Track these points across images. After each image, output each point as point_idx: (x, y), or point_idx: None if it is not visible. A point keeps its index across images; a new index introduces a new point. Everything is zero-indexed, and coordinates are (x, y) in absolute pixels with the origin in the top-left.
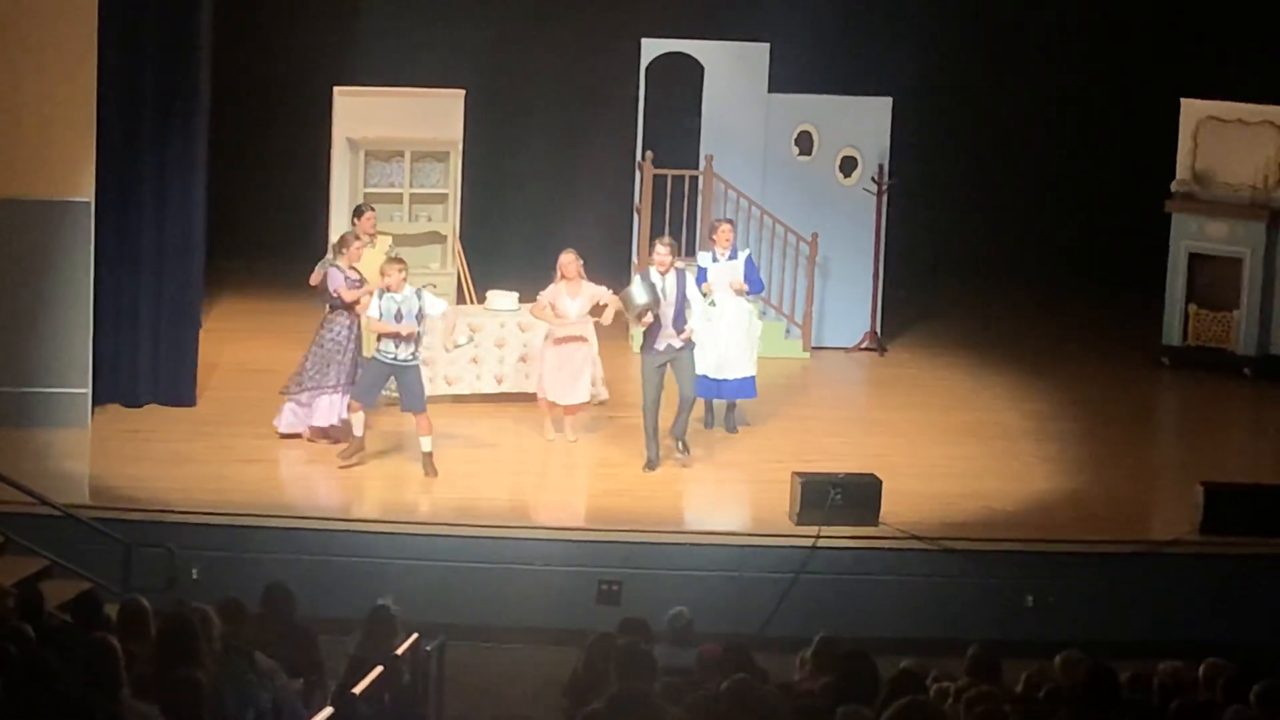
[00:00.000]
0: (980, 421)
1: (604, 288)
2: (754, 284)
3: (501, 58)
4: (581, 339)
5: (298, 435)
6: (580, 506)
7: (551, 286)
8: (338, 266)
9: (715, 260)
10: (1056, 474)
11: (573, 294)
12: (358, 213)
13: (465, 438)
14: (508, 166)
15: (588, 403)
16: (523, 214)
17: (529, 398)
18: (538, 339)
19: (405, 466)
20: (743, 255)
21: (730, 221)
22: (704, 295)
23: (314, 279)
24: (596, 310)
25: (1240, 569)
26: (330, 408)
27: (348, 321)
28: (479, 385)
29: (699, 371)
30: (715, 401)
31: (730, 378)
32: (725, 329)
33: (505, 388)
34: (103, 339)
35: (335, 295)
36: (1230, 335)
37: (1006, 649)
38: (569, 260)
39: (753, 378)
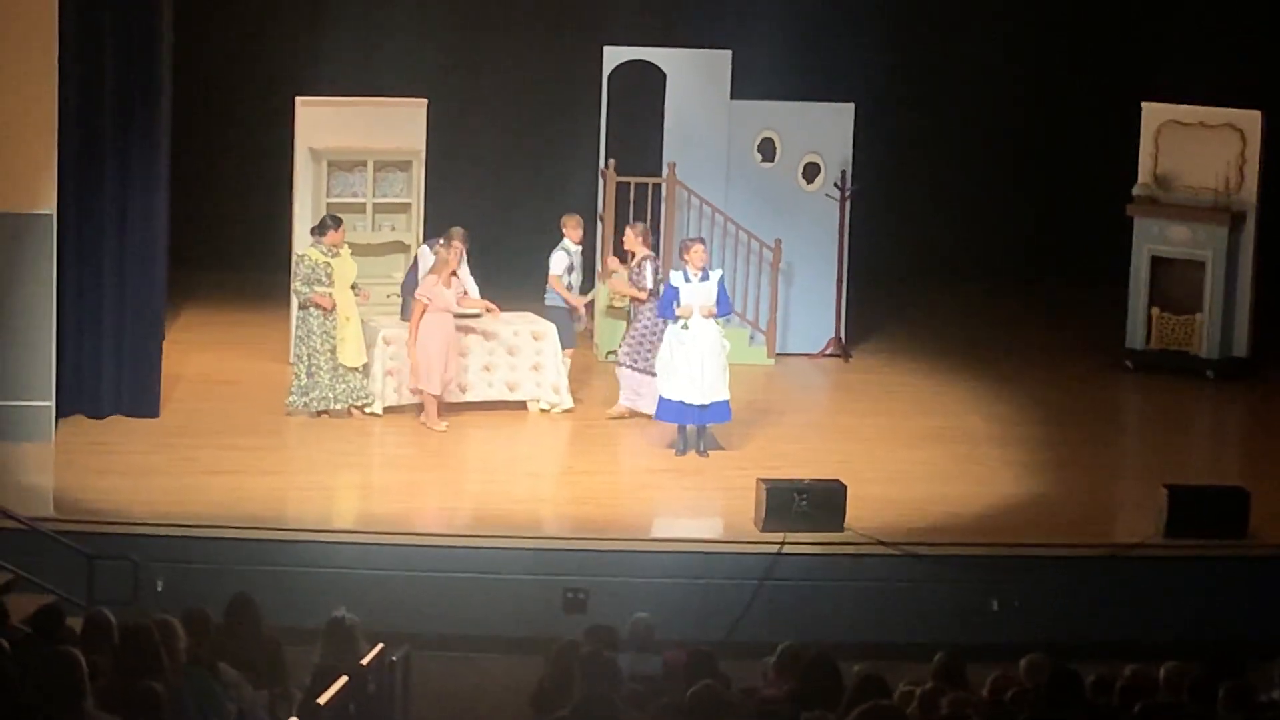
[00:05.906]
0: (945, 426)
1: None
2: (723, 306)
3: (464, 67)
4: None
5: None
6: (546, 514)
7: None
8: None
9: (688, 280)
10: (1021, 478)
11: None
12: (335, 224)
13: (430, 446)
14: (471, 176)
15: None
16: (486, 223)
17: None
18: (551, 346)
19: (370, 476)
20: (715, 276)
21: (702, 241)
22: (679, 319)
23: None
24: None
25: (1204, 571)
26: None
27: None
28: (490, 393)
29: (674, 397)
30: (688, 428)
31: (707, 403)
32: (699, 353)
33: (518, 395)
34: (66, 351)
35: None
36: (1193, 338)
37: (971, 653)
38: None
39: (726, 401)
